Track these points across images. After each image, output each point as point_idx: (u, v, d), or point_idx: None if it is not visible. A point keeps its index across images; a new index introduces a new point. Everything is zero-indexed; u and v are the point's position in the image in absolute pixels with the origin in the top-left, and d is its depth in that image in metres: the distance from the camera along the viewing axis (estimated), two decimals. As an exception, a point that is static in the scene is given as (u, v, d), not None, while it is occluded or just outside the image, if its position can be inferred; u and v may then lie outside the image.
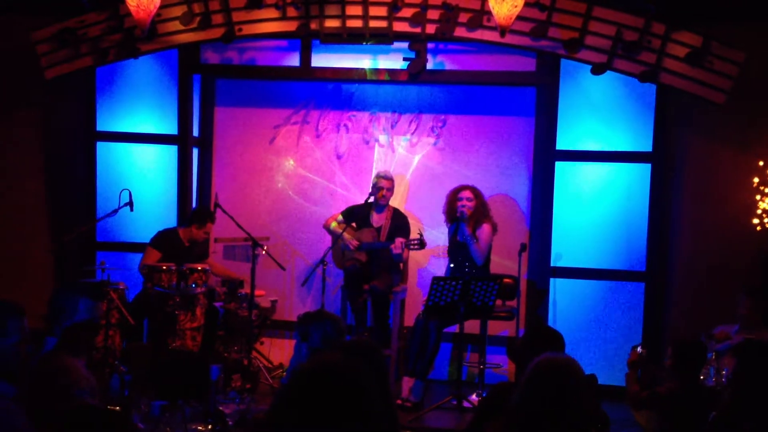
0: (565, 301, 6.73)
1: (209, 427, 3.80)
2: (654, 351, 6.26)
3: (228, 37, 6.52)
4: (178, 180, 7.20)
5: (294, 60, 7.01)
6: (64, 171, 7.45)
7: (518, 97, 7.06)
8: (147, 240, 6.74)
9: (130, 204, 6.59)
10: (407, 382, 6.12)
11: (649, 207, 6.56)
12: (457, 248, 6.50)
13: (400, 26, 6.39)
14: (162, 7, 6.05)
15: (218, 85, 7.53)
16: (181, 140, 7.18)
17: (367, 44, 6.55)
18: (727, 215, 6.48)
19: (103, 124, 7.21)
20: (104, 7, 6.59)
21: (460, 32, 6.29)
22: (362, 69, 6.86)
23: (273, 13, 6.46)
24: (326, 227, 6.93)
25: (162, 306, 6.30)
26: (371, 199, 6.67)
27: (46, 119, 7.46)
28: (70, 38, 6.62)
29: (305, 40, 6.87)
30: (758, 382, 3.59)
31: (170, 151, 7.22)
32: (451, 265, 6.61)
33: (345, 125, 7.34)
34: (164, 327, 6.30)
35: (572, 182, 6.71)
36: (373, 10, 6.36)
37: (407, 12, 6.34)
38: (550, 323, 6.63)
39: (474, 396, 6.11)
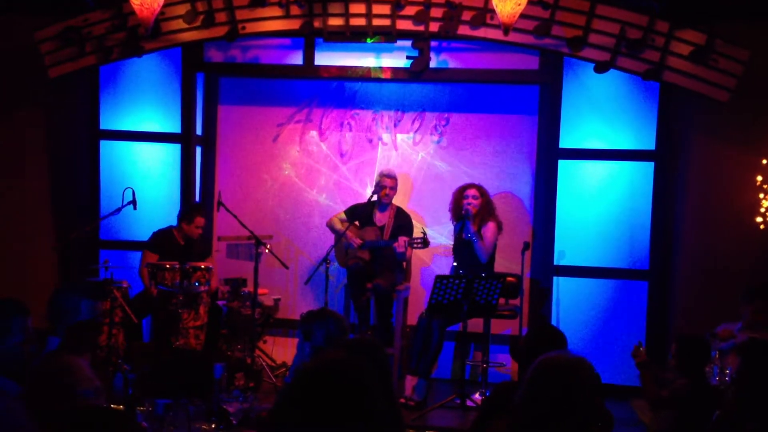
0: (569, 299, 6.72)
1: (213, 425, 3.80)
2: (658, 350, 6.27)
3: (231, 36, 6.52)
4: (182, 178, 7.20)
5: (297, 58, 7.01)
6: (68, 170, 7.47)
7: (521, 95, 7.06)
8: (150, 238, 6.77)
9: (134, 202, 6.60)
10: (410, 381, 6.12)
11: (652, 205, 6.55)
12: (462, 246, 6.50)
13: (403, 24, 6.39)
14: (165, 5, 6.07)
15: (222, 84, 7.54)
16: (184, 139, 7.18)
17: (370, 42, 6.54)
18: (731, 214, 6.46)
19: (107, 123, 7.22)
20: (108, 6, 6.60)
21: (463, 30, 6.29)
22: (366, 67, 6.86)
23: (276, 11, 6.47)
24: (329, 225, 6.93)
25: (165, 304, 6.31)
26: (374, 198, 6.67)
27: (50, 118, 7.46)
28: (73, 37, 6.63)
29: (308, 39, 6.86)
30: (762, 381, 3.58)
31: (174, 150, 7.22)
32: (455, 264, 6.61)
33: (348, 123, 7.34)
34: (167, 325, 6.31)
35: (575, 181, 6.70)
36: (377, 8, 6.36)
37: (410, 10, 6.34)
38: (554, 322, 6.63)
39: (477, 395, 6.11)
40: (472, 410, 5.80)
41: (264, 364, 6.54)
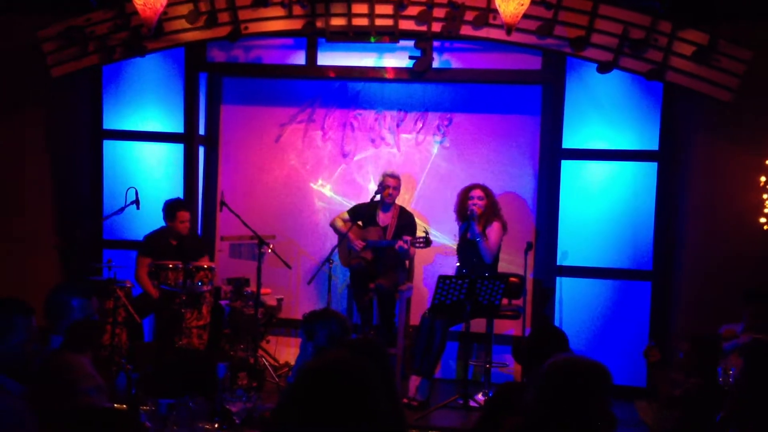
0: (571, 300, 6.72)
1: (216, 425, 3.80)
2: (661, 350, 6.25)
3: (234, 36, 6.53)
4: (185, 178, 7.21)
5: (300, 58, 7.01)
6: (71, 169, 7.48)
7: (524, 95, 7.05)
8: (153, 238, 6.77)
9: (137, 202, 6.61)
10: (413, 381, 6.12)
11: (655, 206, 6.54)
12: (467, 246, 6.50)
13: (406, 24, 6.39)
14: (168, 5, 6.06)
15: (224, 84, 7.54)
16: (187, 138, 7.19)
17: (373, 41, 6.54)
18: (734, 214, 6.45)
19: (110, 123, 7.22)
20: (111, 6, 6.61)
21: (466, 30, 6.28)
22: (368, 67, 6.85)
23: (279, 11, 6.46)
24: (332, 225, 6.93)
25: (168, 304, 6.31)
26: (377, 198, 6.67)
27: (52, 118, 7.47)
28: (76, 36, 6.63)
29: (311, 39, 6.86)
30: (766, 382, 3.57)
31: (177, 150, 7.23)
32: (458, 264, 6.61)
33: (351, 123, 7.34)
34: (170, 325, 6.31)
35: (578, 181, 6.70)
36: (379, 8, 6.36)
37: (413, 10, 6.34)
38: (556, 322, 6.63)
39: (480, 395, 6.11)
40: (475, 410, 5.80)
41: (267, 363, 6.54)
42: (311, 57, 6.96)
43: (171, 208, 6.66)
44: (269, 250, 6.63)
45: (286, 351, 7.18)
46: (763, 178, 6.26)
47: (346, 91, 7.34)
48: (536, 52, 6.56)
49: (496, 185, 6.91)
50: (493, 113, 7.13)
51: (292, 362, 6.66)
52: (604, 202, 6.66)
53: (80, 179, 7.39)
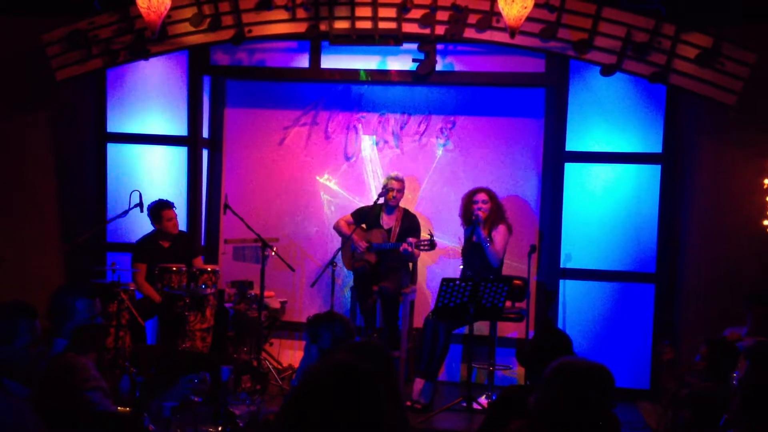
0: (575, 302, 6.71)
1: (219, 428, 3.81)
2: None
3: (238, 39, 6.53)
4: (188, 181, 7.22)
5: (303, 61, 7.02)
6: (75, 172, 7.49)
7: (528, 98, 7.06)
8: (157, 241, 6.78)
9: (141, 205, 6.61)
10: (417, 384, 6.11)
11: (659, 208, 6.54)
12: (473, 250, 6.49)
13: (409, 27, 6.38)
14: (172, 8, 6.07)
15: (228, 87, 7.55)
16: (191, 141, 7.20)
17: (377, 44, 6.54)
18: (738, 217, 6.44)
19: (114, 126, 7.24)
20: (115, 9, 6.62)
21: (469, 33, 6.28)
22: (371, 70, 6.86)
23: (282, 14, 6.47)
24: (336, 228, 6.94)
25: (172, 307, 6.32)
26: (381, 200, 6.67)
27: (56, 121, 7.48)
28: (80, 40, 6.64)
29: (314, 42, 6.88)
30: (770, 384, 3.57)
31: (180, 153, 7.24)
32: (461, 267, 6.61)
33: (354, 126, 7.35)
34: (174, 328, 6.31)
35: (582, 184, 6.70)
36: (383, 12, 6.36)
37: (416, 13, 6.34)
38: (560, 325, 6.62)
39: (484, 398, 6.11)
40: (479, 413, 5.79)
41: (270, 366, 6.54)
42: (315, 60, 6.97)
43: (155, 209, 6.68)
44: (273, 253, 6.63)
45: (290, 354, 7.19)
46: (766, 181, 6.25)
47: (350, 94, 7.34)
48: (539, 55, 6.56)
49: (500, 188, 6.91)
50: (496, 116, 7.14)
51: (296, 365, 6.66)
52: (607, 204, 6.65)
53: (84, 182, 7.40)
